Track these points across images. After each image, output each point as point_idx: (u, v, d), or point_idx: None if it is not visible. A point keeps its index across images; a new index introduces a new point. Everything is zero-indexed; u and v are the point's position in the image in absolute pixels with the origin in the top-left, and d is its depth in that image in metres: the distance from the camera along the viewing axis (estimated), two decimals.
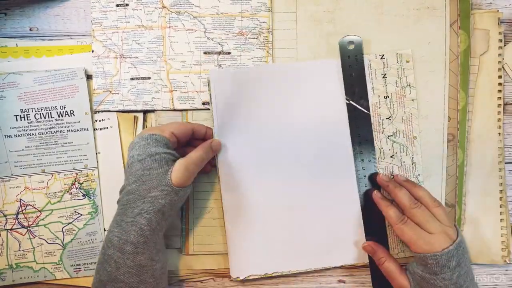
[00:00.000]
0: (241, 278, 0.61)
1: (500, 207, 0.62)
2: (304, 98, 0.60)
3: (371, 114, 0.61)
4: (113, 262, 0.48)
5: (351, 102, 0.59)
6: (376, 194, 0.59)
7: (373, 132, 0.61)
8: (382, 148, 0.61)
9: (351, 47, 0.60)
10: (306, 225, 0.61)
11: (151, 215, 0.51)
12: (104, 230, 0.62)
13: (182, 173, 0.53)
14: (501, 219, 0.62)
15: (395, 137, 0.62)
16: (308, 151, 0.61)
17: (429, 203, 0.56)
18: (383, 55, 0.61)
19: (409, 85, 0.61)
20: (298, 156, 0.61)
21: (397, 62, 0.61)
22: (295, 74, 0.61)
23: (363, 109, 0.59)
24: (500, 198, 0.62)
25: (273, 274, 0.61)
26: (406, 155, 0.62)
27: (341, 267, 0.62)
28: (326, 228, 0.61)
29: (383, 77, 0.61)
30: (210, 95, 0.60)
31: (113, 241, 0.48)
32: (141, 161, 0.52)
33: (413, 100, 0.61)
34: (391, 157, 0.61)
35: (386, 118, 0.61)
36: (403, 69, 0.61)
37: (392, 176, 0.61)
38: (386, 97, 0.61)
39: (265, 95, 0.60)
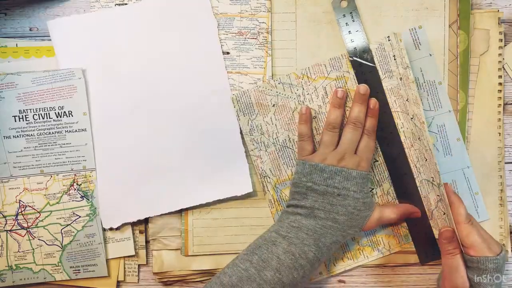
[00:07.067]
0: (115, 227, 0.61)
1: (500, 206, 0.62)
2: (171, 39, 0.60)
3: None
4: (302, 272, 0.55)
5: (354, 58, 0.60)
6: (449, 188, 0.58)
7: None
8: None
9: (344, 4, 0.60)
10: (182, 163, 0.61)
11: (337, 247, 0.58)
12: (104, 230, 0.62)
13: (373, 226, 0.58)
14: (500, 219, 0.62)
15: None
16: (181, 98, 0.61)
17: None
18: (389, 36, 0.59)
19: (408, 67, 0.58)
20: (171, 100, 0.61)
21: (396, 43, 0.59)
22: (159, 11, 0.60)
23: (368, 63, 0.59)
24: (500, 198, 0.62)
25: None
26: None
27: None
28: (205, 161, 0.61)
29: (394, 59, 0.59)
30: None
31: (309, 256, 0.55)
32: (356, 199, 0.56)
33: (413, 82, 0.58)
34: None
35: (406, 100, 0.59)
36: (401, 49, 0.59)
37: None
38: (400, 79, 0.59)
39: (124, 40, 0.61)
